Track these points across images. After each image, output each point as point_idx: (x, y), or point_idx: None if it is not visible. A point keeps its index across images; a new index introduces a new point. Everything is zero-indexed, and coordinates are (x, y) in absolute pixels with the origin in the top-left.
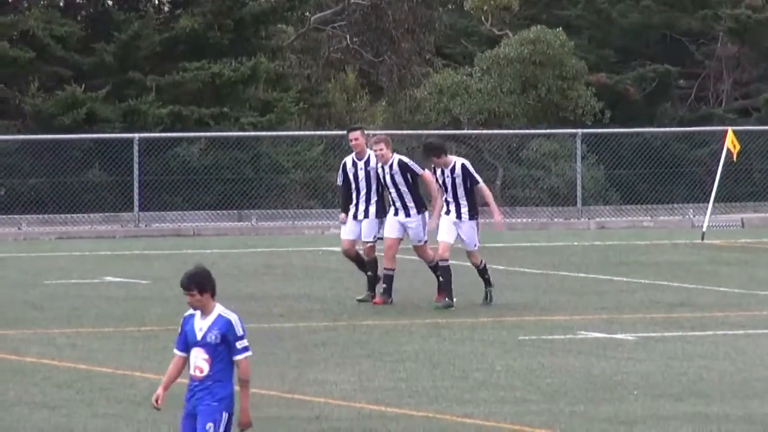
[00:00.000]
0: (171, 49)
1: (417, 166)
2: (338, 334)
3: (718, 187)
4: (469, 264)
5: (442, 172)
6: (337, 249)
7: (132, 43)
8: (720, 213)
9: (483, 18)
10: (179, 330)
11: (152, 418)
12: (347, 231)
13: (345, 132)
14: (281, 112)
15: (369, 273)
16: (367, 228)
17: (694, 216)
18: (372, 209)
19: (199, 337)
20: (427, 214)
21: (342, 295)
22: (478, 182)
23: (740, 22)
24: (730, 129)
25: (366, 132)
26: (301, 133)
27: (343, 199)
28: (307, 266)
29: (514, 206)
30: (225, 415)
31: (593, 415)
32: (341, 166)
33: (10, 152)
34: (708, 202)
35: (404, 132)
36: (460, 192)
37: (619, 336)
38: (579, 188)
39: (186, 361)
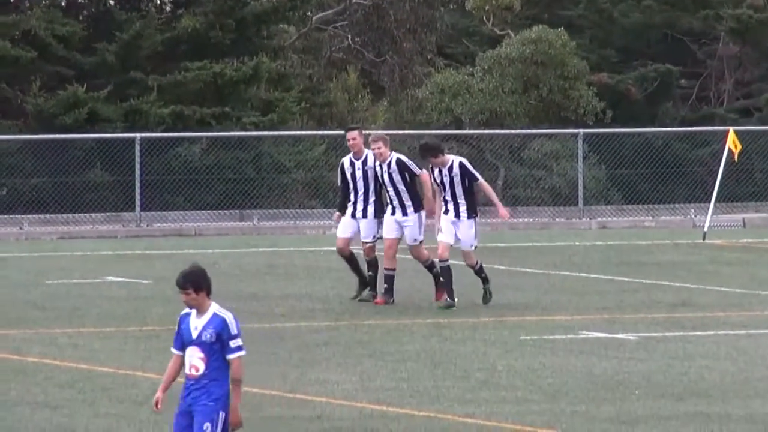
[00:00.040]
0: (173, 49)
1: (415, 166)
2: (340, 334)
3: (719, 187)
4: None
5: (440, 172)
6: None
7: (134, 42)
8: (721, 213)
9: (484, 18)
10: (176, 329)
11: (154, 418)
12: (343, 229)
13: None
14: (283, 112)
15: (369, 273)
16: (366, 228)
17: (695, 216)
18: (370, 209)
19: (194, 335)
20: (423, 213)
21: (344, 294)
22: (477, 179)
23: (742, 21)
24: (731, 129)
25: (365, 131)
26: (303, 132)
27: (341, 198)
28: (308, 266)
29: (515, 206)
30: (222, 415)
31: (595, 415)
32: (339, 166)
33: (12, 152)
34: (709, 202)
35: (406, 132)
36: (459, 191)
37: (620, 336)
38: (580, 188)
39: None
